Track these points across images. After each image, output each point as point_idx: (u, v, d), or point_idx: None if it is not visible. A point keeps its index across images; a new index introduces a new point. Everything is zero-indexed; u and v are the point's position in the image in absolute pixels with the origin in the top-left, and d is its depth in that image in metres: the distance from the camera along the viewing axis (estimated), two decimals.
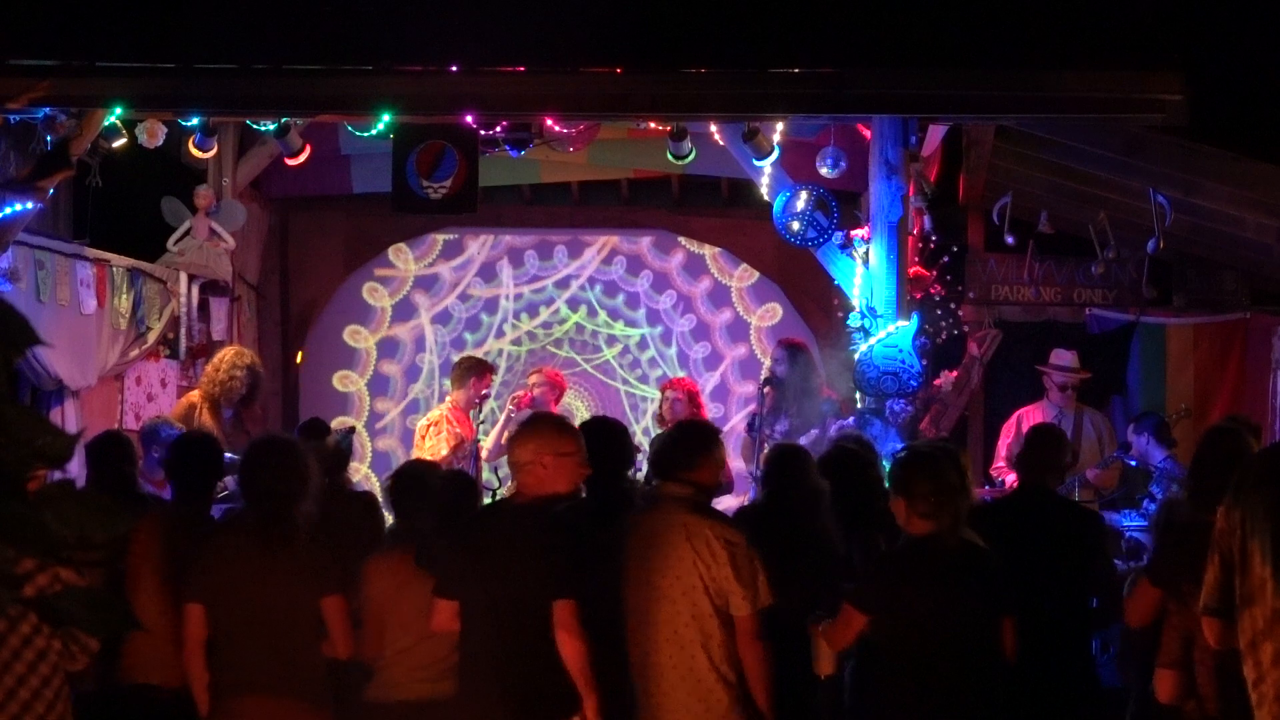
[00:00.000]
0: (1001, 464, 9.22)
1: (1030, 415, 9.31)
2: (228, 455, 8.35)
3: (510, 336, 11.79)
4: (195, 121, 9.02)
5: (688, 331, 11.74)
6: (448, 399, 9.44)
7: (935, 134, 8.99)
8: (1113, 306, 10.69)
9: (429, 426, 9.16)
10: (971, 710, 4.93)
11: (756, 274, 11.62)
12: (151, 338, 9.73)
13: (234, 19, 8.44)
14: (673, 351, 11.74)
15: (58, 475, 4.17)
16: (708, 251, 11.74)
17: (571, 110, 8.78)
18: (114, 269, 9.39)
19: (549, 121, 9.22)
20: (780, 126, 8.76)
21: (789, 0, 8.53)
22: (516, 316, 11.80)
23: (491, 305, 11.83)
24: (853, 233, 8.62)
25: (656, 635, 4.87)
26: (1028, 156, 9.90)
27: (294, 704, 5.08)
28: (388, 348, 11.87)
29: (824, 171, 8.66)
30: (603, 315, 11.75)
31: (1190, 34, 8.89)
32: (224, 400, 8.75)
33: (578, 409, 11.53)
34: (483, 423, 9.40)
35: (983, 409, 10.42)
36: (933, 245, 9.34)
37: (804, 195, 8.62)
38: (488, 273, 11.85)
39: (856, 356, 8.34)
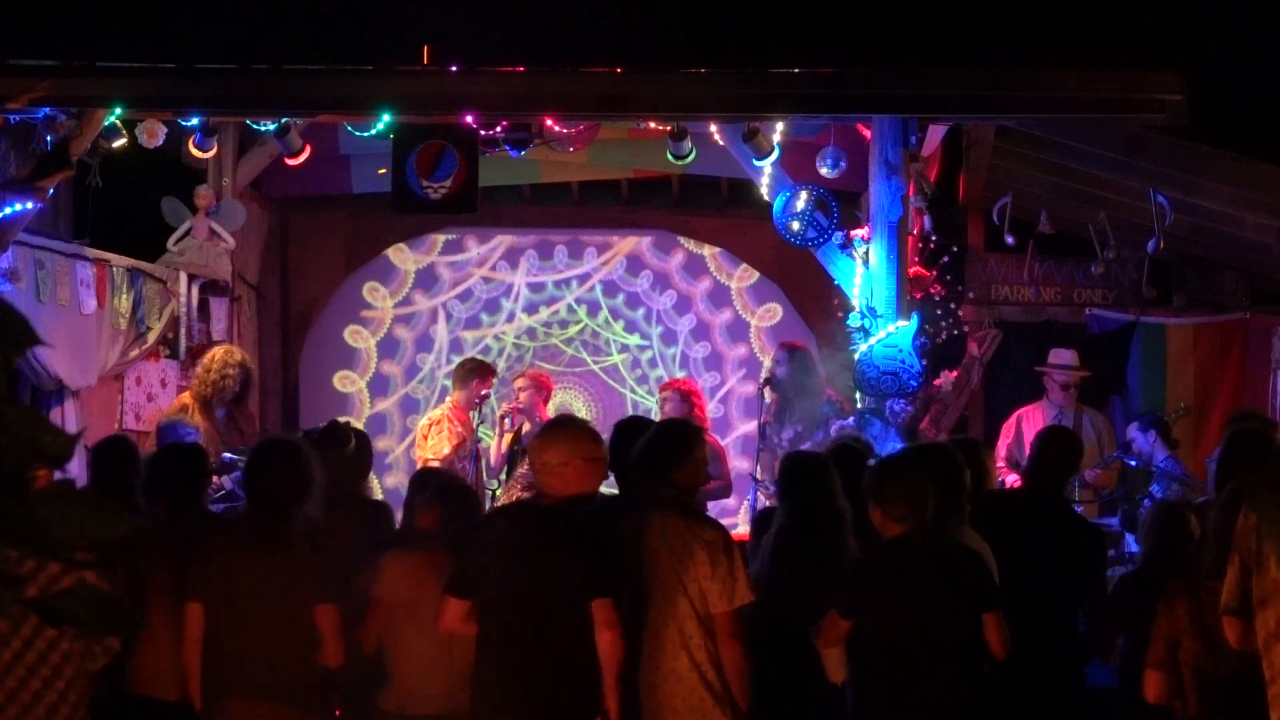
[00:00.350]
0: (1001, 464, 9.21)
1: (1030, 415, 9.30)
2: (226, 455, 8.40)
3: (513, 334, 11.78)
4: (195, 121, 9.02)
5: (688, 331, 11.74)
6: (448, 399, 9.47)
7: (935, 134, 8.99)
8: (1113, 306, 10.70)
9: (431, 425, 9.19)
10: (955, 709, 4.95)
11: (756, 274, 11.62)
12: (151, 338, 9.73)
13: (234, 19, 8.45)
14: (673, 352, 11.74)
15: (58, 475, 4.17)
16: (708, 251, 11.74)
17: (571, 110, 8.78)
18: (114, 269, 9.39)
19: (549, 121, 9.22)
20: (780, 126, 8.75)
21: (789, 0, 8.54)
22: (528, 312, 11.79)
23: (493, 305, 11.83)
24: (853, 233, 8.62)
25: (638, 636, 4.87)
26: (1028, 156, 9.90)
27: (286, 709, 5.07)
28: (388, 348, 11.87)
29: (824, 171, 8.66)
30: (604, 315, 11.75)
31: (1190, 34, 8.90)
32: (216, 400, 8.74)
33: (577, 408, 11.54)
34: (482, 423, 9.41)
35: (983, 409, 10.42)
36: (933, 245, 9.34)
37: (804, 195, 8.62)
38: (490, 271, 11.84)
39: (856, 356, 8.34)
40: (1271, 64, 9.77)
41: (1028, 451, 7.33)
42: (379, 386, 11.86)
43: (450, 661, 5.16)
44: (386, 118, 8.68)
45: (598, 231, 11.80)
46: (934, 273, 9.15)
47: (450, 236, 11.79)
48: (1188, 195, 9.27)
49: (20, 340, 2.06)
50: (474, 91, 8.47)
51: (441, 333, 11.81)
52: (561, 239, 11.79)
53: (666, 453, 5.09)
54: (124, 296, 9.45)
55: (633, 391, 11.69)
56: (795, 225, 8.64)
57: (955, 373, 9.31)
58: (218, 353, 8.93)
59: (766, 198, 8.91)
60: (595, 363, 11.75)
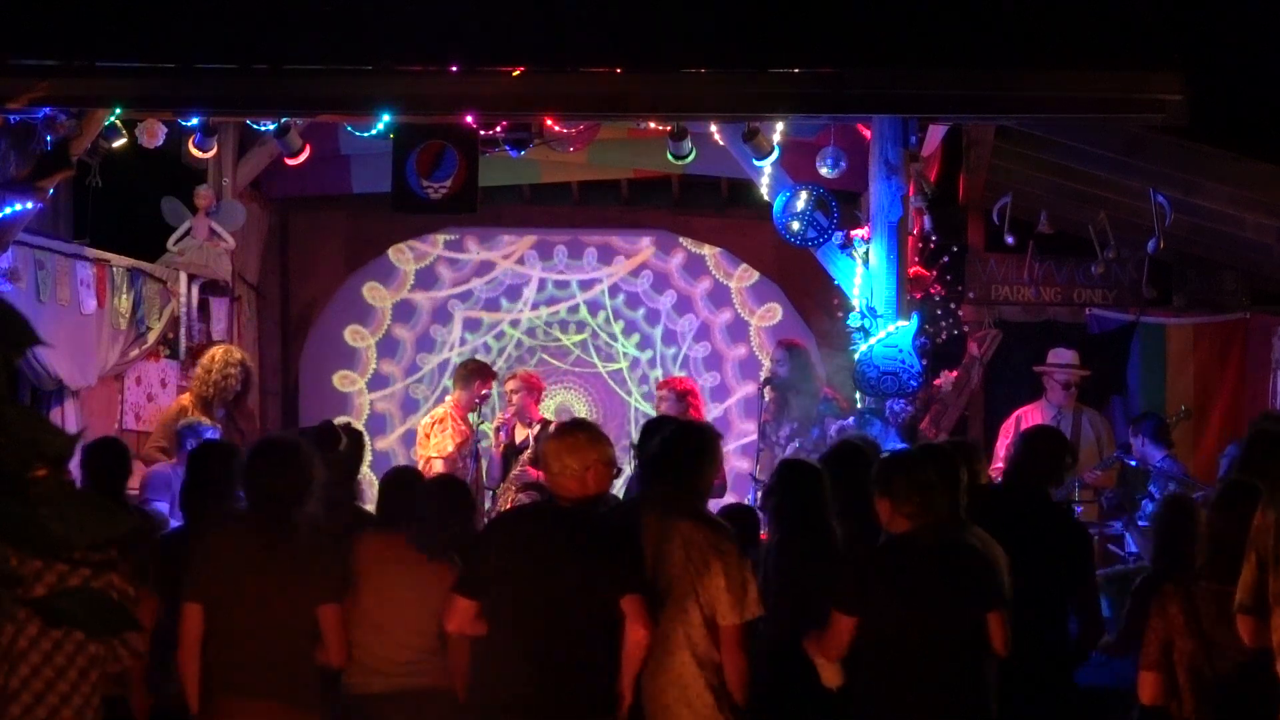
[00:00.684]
0: (1000, 464, 9.21)
1: (1030, 415, 9.30)
2: None
3: (518, 331, 11.78)
4: (195, 121, 9.02)
5: (688, 331, 11.73)
6: (449, 398, 9.49)
7: (935, 134, 8.99)
8: (1113, 306, 10.70)
9: (434, 424, 9.23)
10: (956, 709, 4.94)
11: (756, 274, 11.62)
12: (151, 338, 9.73)
13: (234, 19, 8.44)
14: (673, 352, 11.74)
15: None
16: (708, 251, 11.74)
17: (571, 110, 8.78)
18: (114, 269, 9.39)
19: (549, 121, 9.23)
20: (780, 126, 8.75)
21: (789, 0, 8.54)
22: (532, 310, 11.79)
23: (493, 304, 11.83)
24: (853, 233, 8.62)
25: (653, 640, 4.86)
26: (1028, 156, 9.90)
27: (283, 709, 5.06)
28: (388, 348, 11.87)
29: (824, 171, 8.66)
30: (603, 315, 11.75)
31: (1190, 34, 8.90)
32: (217, 400, 8.75)
33: (578, 409, 11.54)
34: (483, 423, 9.42)
35: (983, 409, 10.42)
36: (933, 245, 9.34)
37: (804, 195, 8.62)
38: (487, 273, 11.84)
39: (856, 356, 8.34)
40: (1271, 64, 9.76)
41: None
42: (379, 386, 11.86)
43: (409, 640, 5.19)
44: (386, 118, 8.69)
45: (598, 231, 11.80)
46: (934, 273, 9.15)
47: (450, 236, 11.78)
48: (1188, 195, 9.27)
49: (20, 340, 2.06)
50: (474, 91, 8.47)
51: (456, 328, 11.81)
52: (561, 239, 11.79)
53: (688, 457, 5.09)
54: (124, 296, 9.45)
55: (631, 395, 11.69)
56: (795, 225, 8.64)
57: (955, 373, 9.32)
58: (217, 353, 8.94)
59: (766, 198, 8.91)
60: (603, 367, 11.73)
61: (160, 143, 8.92)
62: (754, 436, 9.79)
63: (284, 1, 8.66)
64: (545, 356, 11.72)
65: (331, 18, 8.39)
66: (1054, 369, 9.48)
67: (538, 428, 9.12)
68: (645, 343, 11.76)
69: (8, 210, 8.30)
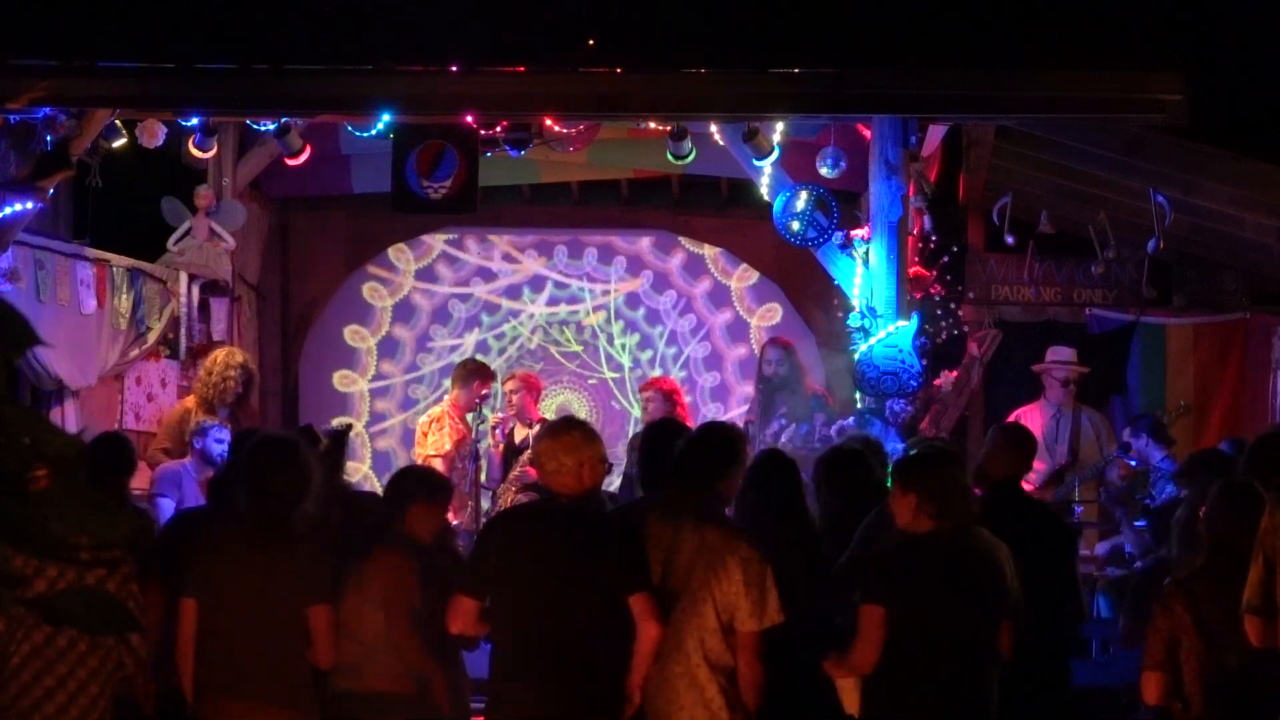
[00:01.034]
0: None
1: (1029, 415, 9.30)
2: (227, 455, 8.42)
3: (518, 332, 11.78)
4: (195, 121, 9.02)
5: (688, 331, 11.74)
6: (447, 398, 9.50)
7: (935, 134, 8.99)
8: (1113, 306, 10.69)
9: (431, 423, 9.25)
10: (964, 709, 4.93)
11: (756, 274, 11.61)
12: (151, 338, 9.73)
13: (234, 19, 8.45)
14: (673, 351, 11.74)
15: None
16: (708, 251, 11.74)
17: (571, 110, 8.78)
18: (114, 269, 9.39)
19: (549, 121, 9.22)
20: (780, 126, 8.75)
21: (789, 0, 8.54)
22: (534, 309, 11.79)
23: (493, 304, 11.82)
24: (853, 233, 8.62)
25: (663, 641, 4.84)
26: (1028, 156, 9.90)
27: (276, 709, 5.05)
28: (388, 348, 11.87)
29: (824, 171, 8.66)
30: (604, 316, 11.74)
31: (1190, 34, 8.90)
32: (219, 402, 8.78)
33: (578, 408, 11.53)
34: (482, 423, 9.42)
35: (983, 409, 10.41)
36: (933, 245, 9.33)
37: (804, 195, 8.62)
38: (487, 273, 11.84)
39: (856, 356, 8.34)
40: (1271, 64, 9.77)
41: None
42: (379, 386, 11.85)
43: (395, 637, 5.17)
44: (386, 118, 8.69)
45: (598, 231, 11.80)
46: (934, 273, 9.15)
47: (450, 236, 11.78)
48: (1188, 195, 9.27)
49: (20, 340, 2.06)
50: (474, 91, 8.47)
51: (456, 328, 11.80)
52: (561, 239, 11.79)
53: (715, 462, 5.05)
54: (124, 296, 9.45)
55: (632, 395, 11.69)
56: (795, 225, 8.64)
57: (955, 373, 9.31)
58: (219, 355, 8.98)
59: (766, 198, 8.91)
60: (604, 368, 11.73)
61: (160, 143, 8.92)
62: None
63: (284, 1, 8.67)
64: (545, 356, 11.72)
65: (331, 18, 8.40)
66: (1053, 366, 9.48)
67: (538, 428, 9.12)
68: (645, 343, 11.76)
69: (8, 210, 8.30)
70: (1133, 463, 8.75)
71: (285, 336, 11.75)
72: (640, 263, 11.76)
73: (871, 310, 8.36)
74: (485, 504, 9.17)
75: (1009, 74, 8.17)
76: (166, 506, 7.75)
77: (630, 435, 9.63)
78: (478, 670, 5.37)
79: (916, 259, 8.93)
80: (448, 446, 9.00)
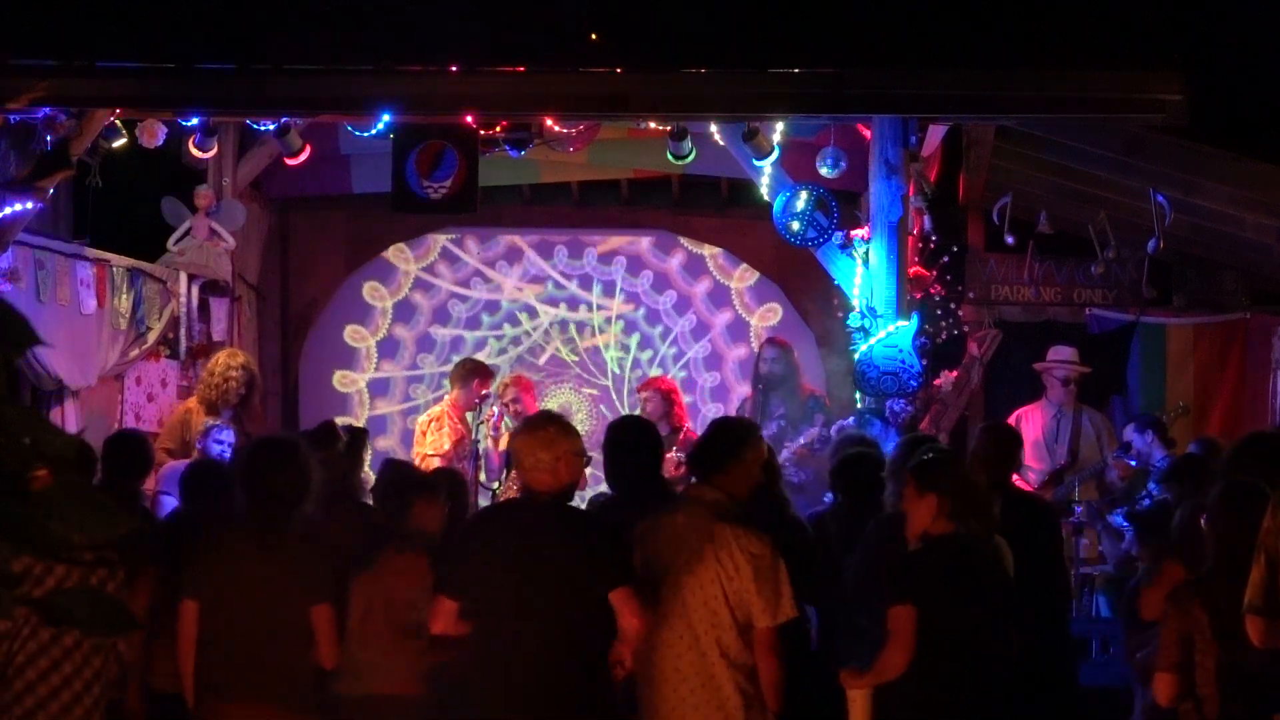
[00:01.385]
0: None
1: (1030, 415, 9.30)
2: (229, 456, 8.42)
3: (519, 332, 11.78)
4: (195, 121, 9.02)
5: (688, 331, 11.74)
6: (447, 398, 9.51)
7: (935, 134, 8.99)
8: (1113, 306, 10.69)
9: (430, 422, 9.26)
10: (984, 712, 4.92)
11: (756, 274, 11.61)
12: (151, 338, 9.73)
13: (234, 19, 8.45)
14: (673, 352, 11.74)
15: None
16: (708, 252, 11.74)
17: (571, 110, 8.78)
18: (114, 269, 9.39)
19: (549, 121, 9.23)
20: (780, 126, 8.75)
21: (789, 0, 8.54)
22: (534, 309, 11.79)
23: (493, 304, 11.82)
24: (853, 233, 8.62)
25: (675, 639, 4.84)
26: (1028, 156, 9.90)
27: (277, 710, 5.05)
28: (388, 348, 11.87)
29: (824, 171, 8.66)
30: (604, 316, 11.75)
31: (1190, 34, 8.90)
32: (221, 403, 8.80)
33: (578, 409, 11.53)
34: (482, 423, 9.41)
35: (983, 409, 10.40)
36: (933, 245, 9.33)
37: (804, 195, 8.62)
38: (486, 270, 11.84)
39: (856, 356, 8.34)
40: (1271, 64, 9.77)
41: (1027, 452, 7.34)
42: (379, 386, 11.86)
43: (405, 642, 5.16)
44: (386, 118, 8.68)
45: (598, 231, 11.80)
46: (934, 273, 9.15)
47: (450, 236, 11.78)
48: (1188, 195, 9.26)
49: (20, 340, 2.06)
50: (474, 91, 8.47)
51: (456, 328, 11.80)
52: (561, 239, 11.79)
53: (718, 455, 5.04)
54: (124, 296, 9.45)
55: (623, 403, 11.68)
56: (795, 225, 8.64)
57: (955, 373, 9.30)
58: (221, 356, 9.02)
59: (766, 198, 8.91)
60: (607, 374, 11.73)
61: (160, 143, 8.91)
62: None
63: (284, 1, 8.67)
64: (545, 356, 11.72)
65: (331, 18, 8.40)
66: (1054, 365, 9.48)
67: None
68: (646, 343, 11.76)
69: (8, 210, 8.30)
70: (1132, 463, 8.74)
71: (285, 336, 11.75)
72: (640, 263, 11.76)
73: (871, 310, 8.36)
74: (485, 503, 9.17)
75: (1009, 74, 8.17)
76: (170, 504, 7.76)
77: None
78: None
79: (916, 259, 8.93)
80: (446, 446, 9.02)
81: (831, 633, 5.91)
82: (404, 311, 11.85)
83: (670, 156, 9.16)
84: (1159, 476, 7.67)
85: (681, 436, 9.02)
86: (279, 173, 10.45)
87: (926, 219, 9.09)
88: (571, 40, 8.27)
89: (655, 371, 11.42)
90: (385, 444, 11.76)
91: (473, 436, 9.20)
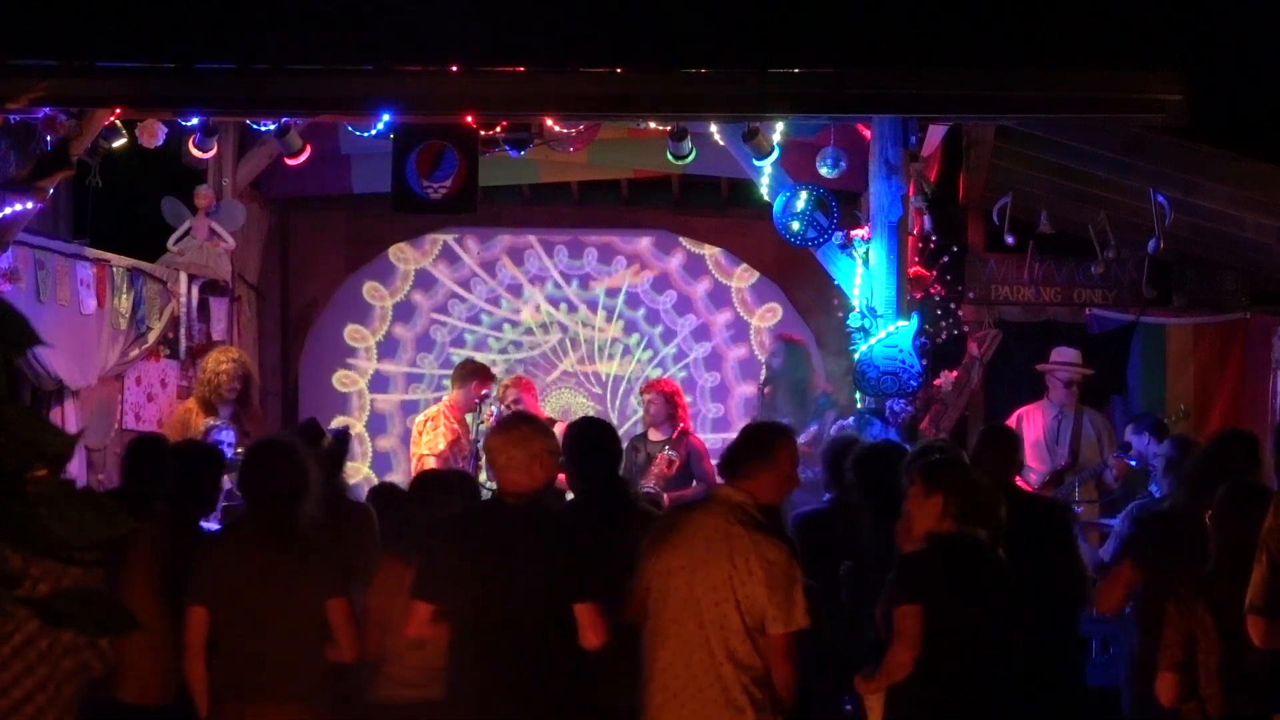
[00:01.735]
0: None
1: (1031, 415, 9.31)
2: (229, 456, 8.42)
3: (519, 332, 11.78)
4: (195, 121, 9.02)
5: (688, 331, 11.74)
6: (446, 398, 9.51)
7: (935, 134, 8.99)
8: (1113, 306, 10.69)
9: (426, 421, 9.28)
10: (992, 712, 4.91)
11: (756, 274, 11.62)
12: (151, 338, 9.73)
13: (234, 19, 8.44)
14: (673, 352, 11.74)
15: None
16: (708, 252, 11.74)
17: (571, 110, 8.78)
18: (114, 269, 9.39)
19: (549, 121, 9.22)
20: (780, 126, 8.75)
21: (789, 0, 8.54)
22: (535, 309, 11.79)
23: (493, 304, 11.82)
24: (853, 233, 8.62)
25: (686, 636, 4.82)
26: (1028, 156, 9.90)
27: (295, 709, 5.05)
28: (388, 348, 11.87)
29: (824, 171, 8.66)
30: (604, 316, 11.75)
31: (1190, 34, 8.89)
32: (216, 401, 8.81)
33: (578, 409, 11.53)
34: (482, 424, 9.41)
35: (983, 409, 10.41)
36: (933, 245, 9.33)
37: (804, 195, 8.62)
38: (487, 273, 11.84)
39: (856, 356, 8.34)
40: (1271, 64, 9.76)
41: (1027, 453, 7.33)
42: (379, 386, 11.86)
43: (427, 645, 5.16)
44: (386, 118, 8.68)
45: (598, 231, 11.80)
46: (934, 273, 9.15)
47: (450, 236, 11.78)
48: (1188, 195, 9.26)
49: (20, 340, 2.06)
50: (474, 91, 8.46)
51: (456, 328, 11.80)
52: (561, 239, 11.79)
53: (743, 458, 5.00)
54: (124, 296, 9.45)
55: (633, 394, 11.69)
56: (795, 225, 8.64)
57: (955, 373, 9.31)
58: (212, 354, 9.08)
59: (766, 198, 8.91)
60: (604, 367, 11.73)
61: (160, 143, 8.91)
62: None
63: (284, 1, 8.66)
64: (545, 356, 11.71)
65: (331, 18, 8.39)
66: (1057, 367, 9.48)
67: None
68: (645, 343, 11.76)
69: (8, 210, 8.30)
70: (1132, 463, 8.74)
71: (285, 336, 11.75)
72: (640, 263, 11.76)
73: (871, 310, 8.36)
74: None
75: (1009, 74, 8.17)
76: None
77: (632, 437, 9.62)
78: None
79: (916, 259, 8.93)
80: (441, 446, 9.03)
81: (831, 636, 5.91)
82: (404, 311, 11.85)
83: (670, 156, 9.16)
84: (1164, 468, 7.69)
85: (676, 435, 9.03)
86: (279, 173, 10.46)
87: (926, 219, 9.09)
88: (571, 40, 8.25)
89: (655, 372, 11.43)
90: (385, 444, 11.77)
91: (472, 437, 9.21)
